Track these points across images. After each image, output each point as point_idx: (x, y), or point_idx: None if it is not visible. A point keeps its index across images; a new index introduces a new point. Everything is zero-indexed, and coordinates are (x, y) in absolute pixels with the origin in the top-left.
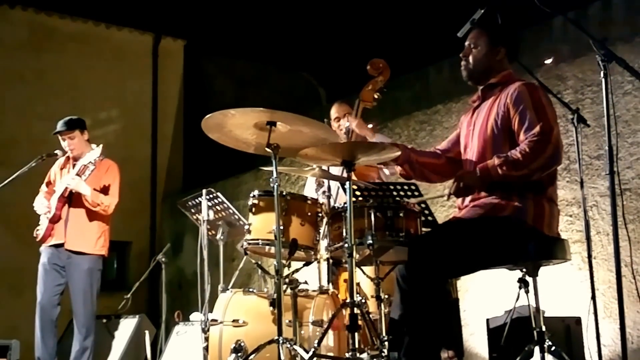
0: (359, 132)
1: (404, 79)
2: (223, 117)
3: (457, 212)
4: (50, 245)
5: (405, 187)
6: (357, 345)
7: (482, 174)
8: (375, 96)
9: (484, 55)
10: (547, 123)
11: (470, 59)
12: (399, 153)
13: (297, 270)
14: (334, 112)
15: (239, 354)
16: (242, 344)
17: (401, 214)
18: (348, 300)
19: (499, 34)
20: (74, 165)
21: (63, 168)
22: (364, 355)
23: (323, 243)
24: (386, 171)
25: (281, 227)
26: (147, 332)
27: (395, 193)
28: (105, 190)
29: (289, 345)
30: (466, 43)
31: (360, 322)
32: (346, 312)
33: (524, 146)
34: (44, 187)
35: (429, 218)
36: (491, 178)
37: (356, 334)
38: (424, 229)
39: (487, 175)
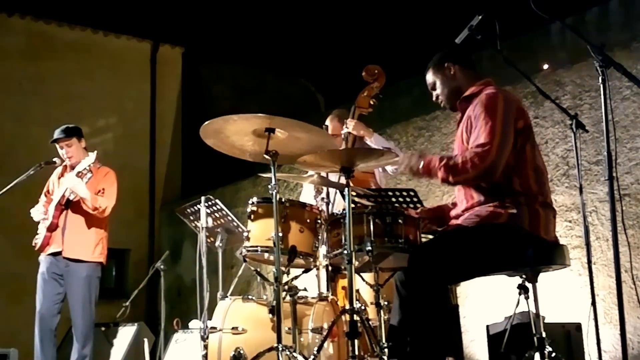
0: (356, 133)
1: (403, 85)
2: (223, 123)
3: (454, 220)
4: (49, 254)
5: (404, 193)
6: (356, 352)
7: (424, 167)
8: (371, 102)
9: (441, 85)
10: (491, 136)
11: (438, 95)
12: (397, 158)
13: (296, 277)
14: (330, 128)
15: None
16: (242, 352)
17: (400, 220)
18: (347, 307)
19: (438, 58)
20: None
21: (61, 177)
22: None
23: (322, 250)
24: (389, 168)
25: (280, 234)
26: (146, 340)
27: (394, 199)
28: (102, 195)
29: (288, 353)
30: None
31: (360, 329)
32: (346, 319)
33: (467, 155)
34: (42, 197)
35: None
36: (430, 174)
37: (356, 341)
38: (423, 236)
39: (427, 170)
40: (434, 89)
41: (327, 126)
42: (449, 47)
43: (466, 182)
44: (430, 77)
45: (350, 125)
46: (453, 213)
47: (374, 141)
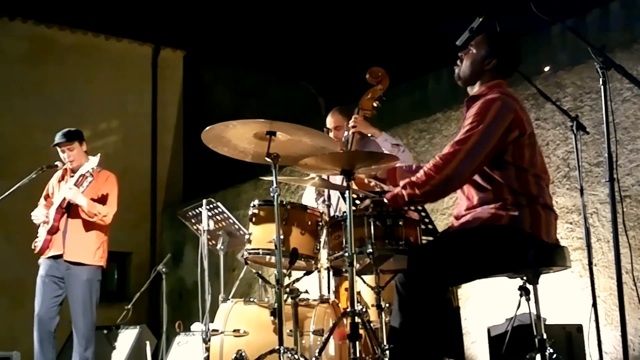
0: (364, 131)
1: (403, 87)
2: (223, 128)
3: (455, 222)
4: (49, 257)
5: None
6: (358, 355)
7: (390, 202)
8: (375, 105)
9: (476, 59)
10: (464, 142)
11: (465, 59)
12: (398, 161)
13: (297, 280)
14: (330, 121)
15: None
16: (243, 354)
17: (400, 223)
18: (349, 309)
19: (498, 44)
20: (72, 177)
21: (61, 180)
22: None
23: (323, 252)
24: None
25: (281, 237)
26: (148, 342)
27: None
28: (103, 200)
29: (290, 355)
30: (470, 45)
31: (361, 331)
32: (347, 321)
33: (430, 162)
34: (42, 201)
35: (429, 226)
36: (399, 204)
37: (357, 343)
38: (423, 237)
39: (395, 203)
40: (466, 52)
41: (327, 129)
42: (510, 45)
43: (432, 194)
44: (475, 43)
45: (358, 123)
46: (454, 213)
47: (382, 139)
